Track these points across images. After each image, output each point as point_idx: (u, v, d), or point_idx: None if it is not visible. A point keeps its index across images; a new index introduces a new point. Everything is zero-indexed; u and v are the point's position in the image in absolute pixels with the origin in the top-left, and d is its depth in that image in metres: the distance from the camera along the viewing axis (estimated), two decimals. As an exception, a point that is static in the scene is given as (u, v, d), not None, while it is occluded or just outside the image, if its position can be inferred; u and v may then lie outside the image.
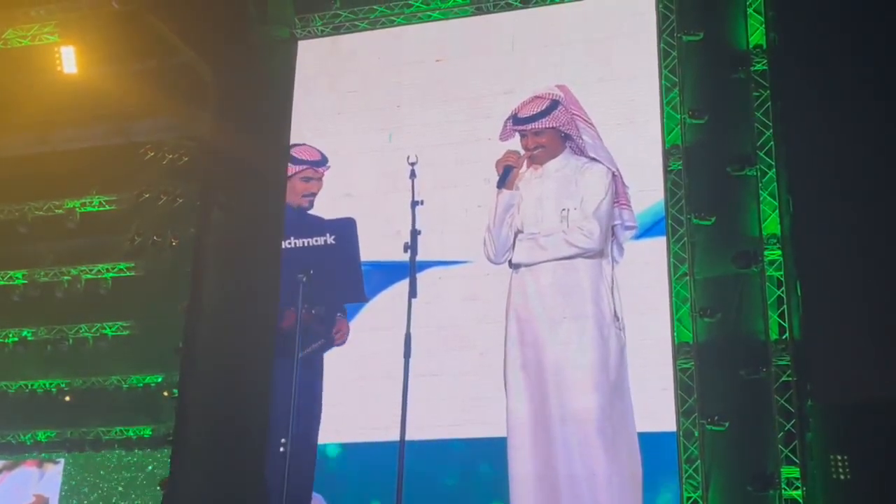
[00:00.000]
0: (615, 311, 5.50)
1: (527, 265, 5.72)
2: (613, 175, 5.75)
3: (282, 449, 5.06)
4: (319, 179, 6.83)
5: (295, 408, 5.26)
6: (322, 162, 6.89)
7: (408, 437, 5.78)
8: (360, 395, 9.20)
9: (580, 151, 5.75)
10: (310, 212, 6.64)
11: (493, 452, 6.94)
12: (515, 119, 5.95)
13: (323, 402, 6.62)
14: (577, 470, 5.36)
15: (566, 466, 5.39)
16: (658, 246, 9.12)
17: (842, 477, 7.71)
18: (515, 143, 6.26)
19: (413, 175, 6.46)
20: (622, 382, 5.51)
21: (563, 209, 5.63)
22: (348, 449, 9.38)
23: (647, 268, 8.84)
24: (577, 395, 5.30)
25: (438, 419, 8.92)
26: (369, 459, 9.03)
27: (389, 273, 9.04)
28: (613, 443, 5.31)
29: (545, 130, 5.71)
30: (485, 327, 8.44)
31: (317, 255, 6.06)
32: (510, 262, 5.96)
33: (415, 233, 6.10)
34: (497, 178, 6.08)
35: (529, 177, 5.99)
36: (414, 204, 6.22)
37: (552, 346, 5.41)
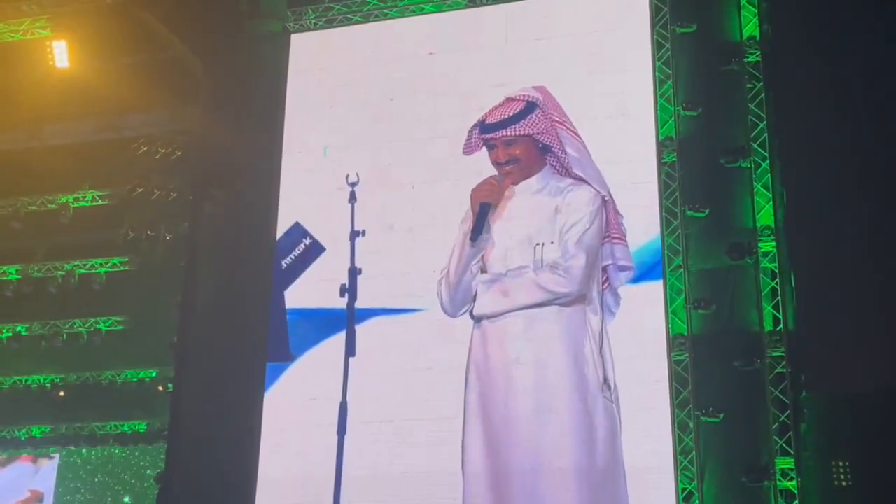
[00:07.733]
0: (605, 377, 4.04)
1: (489, 317, 4.25)
2: (604, 200, 4.23)
3: None
4: None
5: None
6: None
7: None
8: (283, 477, 7.87)
9: (563, 168, 4.37)
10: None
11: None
12: (483, 126, 4.39)
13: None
14: None
15: None
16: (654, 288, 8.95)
17: (843, 483, 7.60)
18: (483, 158, 4.62)
19: (353, 198, 4.91)
20: (614, 466, 4.00)
21: (537, 243, 4.18)
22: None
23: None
24: (554, 490, 3.85)
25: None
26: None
27: (323, 323, 7.87)
28: None
29: (518, 139, 4.35)
30: (441, 397, 7.76)
31: None
32: (471, 313, 4.39)
33: (354, 271, 4.70)
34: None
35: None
36: (353, 235, 4.86)
37: (521, 427, 3.94)
